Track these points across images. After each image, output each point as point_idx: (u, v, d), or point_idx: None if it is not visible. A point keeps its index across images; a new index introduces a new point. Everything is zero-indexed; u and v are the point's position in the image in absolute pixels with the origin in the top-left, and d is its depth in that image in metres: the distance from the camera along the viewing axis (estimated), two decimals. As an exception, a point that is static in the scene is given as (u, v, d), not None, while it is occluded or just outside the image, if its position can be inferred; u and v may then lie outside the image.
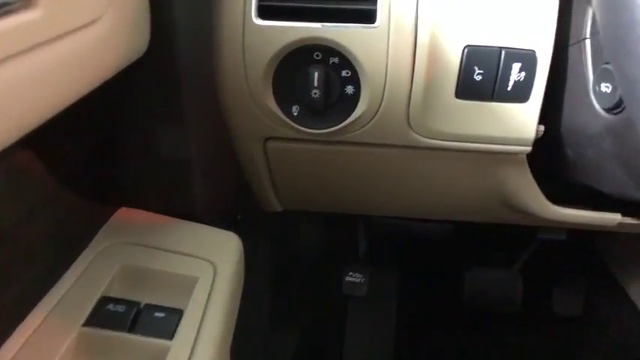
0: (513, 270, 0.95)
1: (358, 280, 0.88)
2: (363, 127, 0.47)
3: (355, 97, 0.45)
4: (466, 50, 0.43)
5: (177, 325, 0.37)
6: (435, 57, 0.43)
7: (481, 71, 0.43)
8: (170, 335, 0.36)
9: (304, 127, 0.46)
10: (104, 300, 0.37)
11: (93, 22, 0.26)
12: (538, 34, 0.43)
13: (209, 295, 0.39)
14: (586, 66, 0.43)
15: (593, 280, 0.99)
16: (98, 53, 0.28)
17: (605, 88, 0.41)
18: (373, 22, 0.42)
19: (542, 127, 0.46)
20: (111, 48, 0.30)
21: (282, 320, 0.88)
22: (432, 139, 0.47)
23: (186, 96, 0.41)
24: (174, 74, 0.39)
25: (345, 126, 0.46)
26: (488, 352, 1.02)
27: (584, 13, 0.43)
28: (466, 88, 0.44)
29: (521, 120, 0.46)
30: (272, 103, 0.46)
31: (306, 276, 0.95)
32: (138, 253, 0.41)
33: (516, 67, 0.43)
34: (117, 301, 0.37)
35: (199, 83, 0.43)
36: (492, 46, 0.43)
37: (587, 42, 0.43)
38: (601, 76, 0.41)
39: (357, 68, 0.44)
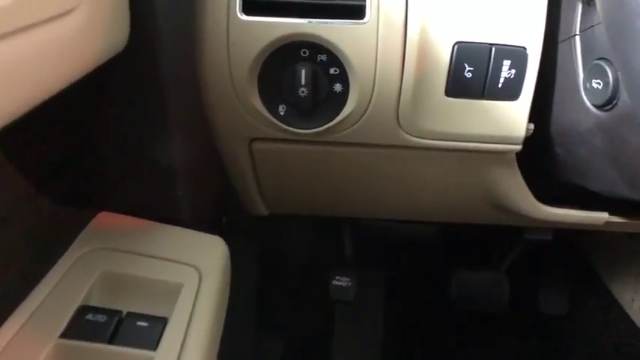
0: (500, 271, 0.95)
1: (345, 284, 0.87)
2: (351, 126, 0.46)
3: (344, 96, 0.44)
4: (456, 47, 0.42)
5: (161, 335, 0.35)
6: (424, 54, 0.42)
7: (471, 68, 0.43)
8: (154, 346, 0.35)
9: (291, 126, 0.45)
10: (83, 309, 0.35)
11: (68, 12, 0.25)
12: (528, 31, 0.42)
13: (194, 302, 0.37)
14: (576, 62, 0.43)
15: (578, 280, 1.00)
16: (73, 46, 0.27)
17: (596, 84, 0.40)
18: (362, 18, 0.41)
19: (531, 126, 0.46)
20: (87, 41, 0.28)
21: (268, 325, 0.87)
22: (421, 138, 0.46)
23: (168, 94, 0.39)
24: (155, 71, 0.38)
25: (334, 125, 0.45)
26: (477, 353, 1.02)
27: (573, 9, 0.43)
28: (456, 86, 0.44)
29: (512, 118, 0.45)
30: (258, 102, 0.44)
31: (292, 280, 0.94)
32: (119, 259, 0.40)
33: (507, 64, 0.43)
34: (97, 310, 0.35)
35: (182, 81, 0.42)
36: (483, 43, 0.42)
37: (577, 38, 0.43)
38: (592, 72, 0.41)
39: (346, 65, 0.43)
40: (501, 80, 0.43)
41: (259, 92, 0.44)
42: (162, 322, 0.36)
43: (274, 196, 0.58)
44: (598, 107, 0.41)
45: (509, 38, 0.42)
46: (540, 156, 0.51)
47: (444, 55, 0.43)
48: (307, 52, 0.42)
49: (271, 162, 0.52)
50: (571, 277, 1.00)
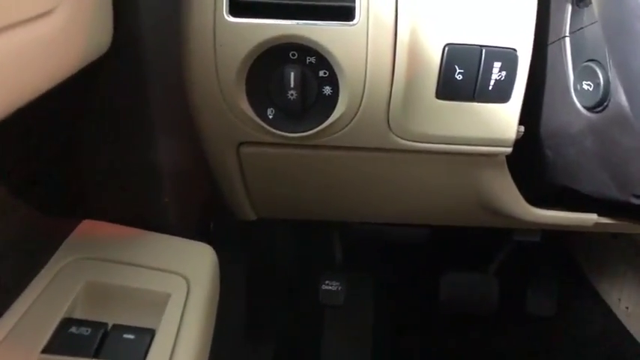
0: (489, 272, 0.95)
1: (335, 289, 0.86)
2: (341, 129, 0.45)
3: (333, 99, 0.43)
4: (447, 49, 0.42)
5: (148, 348, 0.34)
6: (415, 55, 0.42)
7: (462, 70, 0.42)
8: (141, 359, 0.33)
9: (280, 130, 0.44)
10: (66, 322, 0.34)
11: (47, 12, 0.24)
12: (518, 32, 0.42)
13: (183, 312, 0.36)
14: (566, 64, 0.43)
15: (565, 280, 1.01)
16: (54, 48, 0.26)
17: (587, 86, 0.40)
18: (352, 20, 0.41)
19: (522, 128, 0.46)
20: (69, 43, 0.27)
21: (257, 332, 0.86)
22: (412, 141, 0.46)
23: (153, 98, 0.38)
24: (139, 74, 0.36)
25: (323, 129, 0.44)
26: (467, 355, 1.02)
27: (562, 11, 0.43)
28: (447, 88, 0.43)
29: (502, 120, 0.45)
30: (245, 106, 0.43)
31: (281, 285, 0.93)
32: (103, 268, 0.38)
33: (497, 65, 0.43)
34: (81, 322, 0.34)
35: (167, 84, 0.41)
36: (473, 45, 0.42)
37: (567, 40, 0.43)
38: (582, 73, 0.41)
39: (335, 68, 0.42)
40: (492, 82, 0.43)
41: (247, 95, 0.43)
42: (150, 333, 0.34)
43: (262, 201, 0.57)
44: (588, 109, 0.41)
45: (499, 40, 0.42)
46: (530, 158, 0.51)
47: (434, 57, 0.42)
48: (296, 55, 0.42)
49: (259, 166, 0.51)
50: (559, 278, 1.01)
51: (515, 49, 0.42)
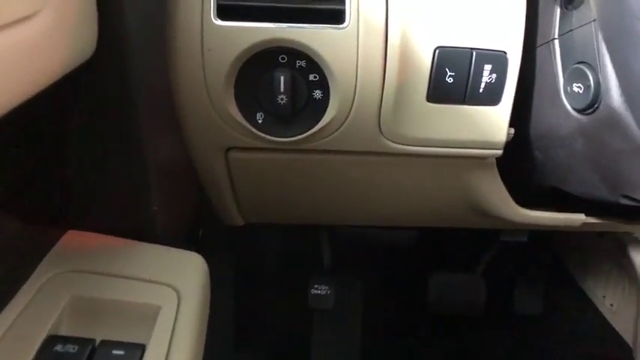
0: (476, 273, 0.96)
1: (324, 293, 0.86)
2: (332, 133, 0.44)
3: (324, 103, 0.43)
4: (437, 52, 0.42)
5: (138, 363, 0.33)
6: (406, 59, 0.42)
7: (452, 73, 0.42)
8: (131, 375, 0.32)
9: (270, 135, 0.44)
10: (51, 339, 0.32)
11: (28, 17, 0.22)
12: (508, 35, 0.42)
13: (174, 325, 0.35)
14: (555, 66, 0.43)
15: (551, 279, 1.02)
16: (36, 54, 0.24)
17: (577, 88, 0.40)
18: (342, 23, 0.40)
19: (512, 130, 0.46)
20: (51, 48, 0.26)
21: (246, 338, 0.85)
22: (403, 144, 0.46)
23: (139, 103, 0.37)
24: (125, 79, 0.35)
25: (314, 133, 0.44)
26: (456, 356, 1.03)
27: (551, 13, 0.43)
28: (438, 91, 0.43)
29: (493, 123, 0.45)
30: (234, 110, 0.43)
31: (269, 290, 0.92)
32: (90, 281, 0.37)
33: (488, 68, 0.42)
34: (67, 339, 0.32)
35: (154, 89, 0.40)
36: (463, 47, 0.42)
37: (556, 42, 0.43)
38: (572, 76, 0.41)
39: (326, 71, 0.41)
40: (482, 85, 0.43)
41: (236, 100, 0.43)
42: (140, 349, 0.33)
43: (251, 206, 0.57)
44: (579, 111, 0.41)
45: (489, 43, 0.42)
46: (519, 160, 0.51)
47: (425, 60, 0.42)
48: (286, 58, 0.41)
49: (248, 171, 0.50)
50: (545, 278, 1.02)
51: (505, 52, 0.42)
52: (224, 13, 0.39)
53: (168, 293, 0.37)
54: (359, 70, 0.41)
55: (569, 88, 0.41)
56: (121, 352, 0.32)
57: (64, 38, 0.26)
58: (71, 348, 0.32)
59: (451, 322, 1.03)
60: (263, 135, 0.44)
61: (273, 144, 0.44)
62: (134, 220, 0.42)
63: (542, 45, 0.44)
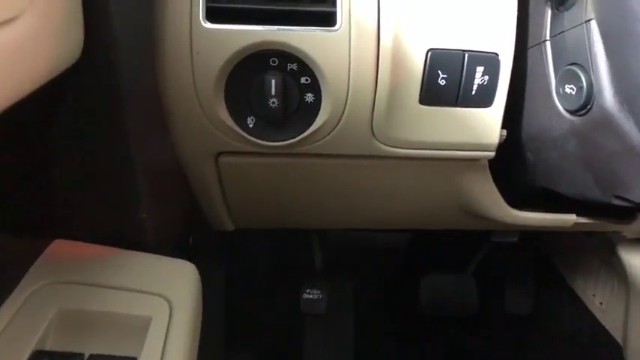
0: (467, 274, 0.96)
1: (316, 297, 0.85)
2: (324, 137, 0.44)
3: (316, 106, 0.42)
4: (430, 54, 0.41)
5: (130, 376, 0.32)
6: (398, 61, 0.41)
7: (445, 75, 0.42)
8: (123, 389, 0.31)
9: (261, 139, 0.43)
10: (37, 355, 0.31)
11: (11, 20, 0.21)
12: (500, 37, 0.42)
13: (166, 336, 0.34)
14: (547, 68, 0.43)
15: (541, 279, 1.03)
16: (19, 58, 0.23)
17: (570, 89, 0.40)
18: (333, 25, 0.40)
19: (504, 132, 0.46)
20: (35, 52, 0.25)
21: (238, 344, 0.84)
22: (396, 147, 0.45)
23: (127, 108, 0.36)
24: (113, 83, 0.34)
25: (306, 137, 0.43)
26: (448, 356, 1.03)
27: (542, 15, 0.43)
28: (430, 94, 0.43)
29: (485, 125, 0.45)
30: (224, 115, 0.42)
31: (260, 294, 0.91)
32: (77, 293, 0.36)
33: (480, 70, 0.42)
34: (53, 355, 0.31)
35: (142, 94, 0.39)
36: (456, 50, 0.42)
37: (548, 44, 0.43)
38: (564, 77, 0.41)
39: (317, 75, 0.41)
40: (475, 87, 0.43)
41: (226, 104, 0.42)
42: (131, 362, 0.32)
43: (242, 211, 0.56)
44: (571, 112, 0.41)
45: (481, 45, 0.42)
46: (511, 161, 0.51)
47: (417, 63, 0.42)
48: (277, 61, 0.40)
49: (239, 176, 0.50)
50: (535, 277, 1.03)
51: (497, 54, 0.42)
52: (213, 15, 0.39)
53: (159, 303, 0.36)
54: (351, 72, 0.41)
55: (561, 89, 0.41)
56: (112, 366, 0.31)
57: (48, 41, 0.25)
58: (59, 363, 0.31)
59: (443, 323, 1.03)
60: (254, 139, 0.43)
61: (264, 148, 0.44)
62: (123, 227, 0.41)
63: (533, 46, 0.44)
